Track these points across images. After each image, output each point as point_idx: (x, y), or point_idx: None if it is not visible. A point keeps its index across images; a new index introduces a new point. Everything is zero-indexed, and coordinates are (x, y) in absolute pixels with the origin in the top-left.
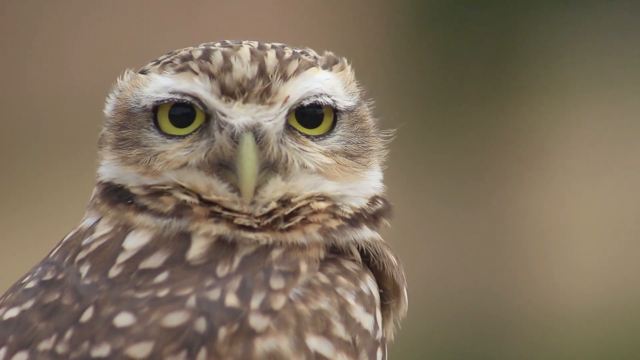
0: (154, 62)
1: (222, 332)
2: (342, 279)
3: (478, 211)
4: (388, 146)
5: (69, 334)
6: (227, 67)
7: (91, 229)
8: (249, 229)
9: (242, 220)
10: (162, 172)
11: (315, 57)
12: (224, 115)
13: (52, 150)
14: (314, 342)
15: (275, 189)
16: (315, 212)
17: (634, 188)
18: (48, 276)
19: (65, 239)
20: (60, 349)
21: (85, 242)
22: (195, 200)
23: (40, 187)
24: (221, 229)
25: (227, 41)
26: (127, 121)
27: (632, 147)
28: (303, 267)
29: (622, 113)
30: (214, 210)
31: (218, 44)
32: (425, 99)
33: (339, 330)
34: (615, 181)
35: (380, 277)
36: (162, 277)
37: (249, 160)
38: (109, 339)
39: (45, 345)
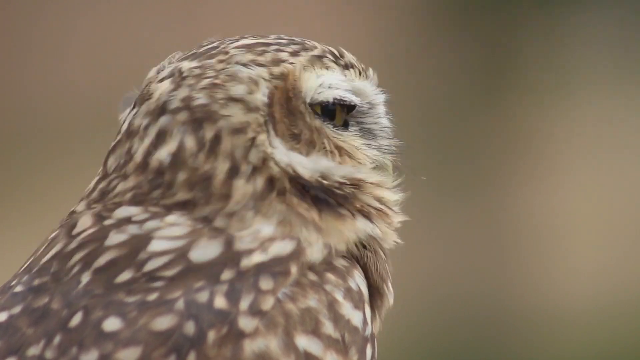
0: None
1: (212, 335)
2: (330, 276)
3: (477, 211)
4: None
5: (57, 339)
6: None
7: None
8: None
9: None
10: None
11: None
12: None
13: (50, 148)
14: (303, 341)
15: None
16: None
17: (634, 188)
18: (36, 282)
19: None
20: (49, 354)
21: None
22: None
23: (39, 185)
24: None
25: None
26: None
27: (632, 147)
28: (293, 268)
29: (623, 111)
30: None
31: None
32: (427, 98)
33: (328, 328)
34: (616, 181)
35: (368, 273)
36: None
37: None
38: (97, 344)
39: (33, 350)
